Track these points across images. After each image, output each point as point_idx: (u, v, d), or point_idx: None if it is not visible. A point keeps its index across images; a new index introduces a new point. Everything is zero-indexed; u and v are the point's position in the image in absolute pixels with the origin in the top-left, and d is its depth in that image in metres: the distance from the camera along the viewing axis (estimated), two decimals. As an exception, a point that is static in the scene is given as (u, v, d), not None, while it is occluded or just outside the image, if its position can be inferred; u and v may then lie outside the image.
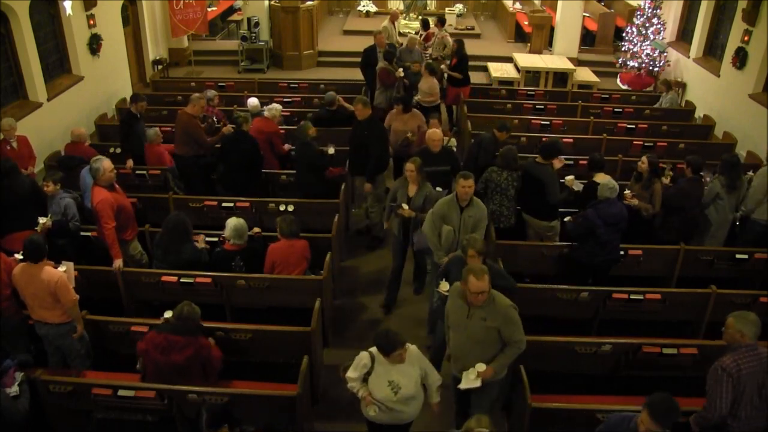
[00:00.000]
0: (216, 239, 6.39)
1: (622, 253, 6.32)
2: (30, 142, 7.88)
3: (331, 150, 7.81)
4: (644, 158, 6.72)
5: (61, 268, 5.19)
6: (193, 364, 4.64)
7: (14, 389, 4.43)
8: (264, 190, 7.94)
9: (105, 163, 5.94)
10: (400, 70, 9.60)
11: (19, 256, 5.19)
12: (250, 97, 9.56)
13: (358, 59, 11.03)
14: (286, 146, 8.34)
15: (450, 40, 11.74)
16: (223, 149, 7.59)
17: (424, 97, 9.53)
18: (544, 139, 8.57)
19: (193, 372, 4.68)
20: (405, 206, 6.13)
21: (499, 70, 13.40)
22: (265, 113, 8.24)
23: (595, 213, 5.94)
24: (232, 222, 5.86)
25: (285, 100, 10.36)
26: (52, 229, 6.11)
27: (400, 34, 13.72)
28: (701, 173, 6.75)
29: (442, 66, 10.86)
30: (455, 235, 5.57)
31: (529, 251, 6.63)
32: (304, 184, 7.49)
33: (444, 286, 5.02)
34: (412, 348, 4.21)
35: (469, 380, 4.33)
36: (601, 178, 6.46)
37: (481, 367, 4.32)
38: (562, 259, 6.50)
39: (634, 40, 12.83)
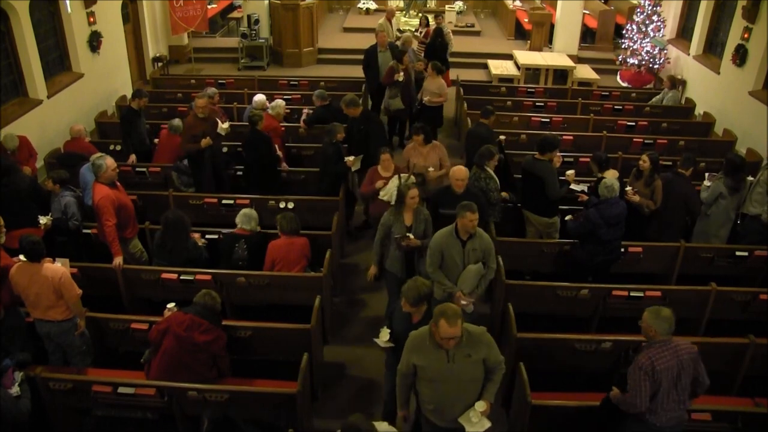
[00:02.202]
0: (216, 237, 6.40)
1: (622, 250, 6.32)
2: (30, 141, 7.87)
3: (357, 165, 7.29)
4: (644, 157, 6.71)
5: (57, 264, 5.17)
6: (208, 350, 4.74)
7: (15, 389, 4.41)
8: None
9: (108, 161, 5.95)
10: (401, 73, 9.42)
11: (23, 257, 5.19)
12: (250, 94, 9.59)
13: (358, 56, 11.01)
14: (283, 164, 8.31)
15: (452, 36, 11.81)
16: (243, 149, 7.69)
17: (433, 98, 9.29)
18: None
19: (204, 358, 4.75)
20: (411, 236, 5.50)
21: (499, 68, 13.39)
22: (269, 111, 8.27)
23: (598, 213, 5.94)
24: (244, 210, 6.17)
25: (285, 97, 10.35)
26: (52, 228, 6.11)
27: (399, 31, 13.70)
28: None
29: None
30: (461, 271, 5.14)
31: (528, 248, 6.64)
32: (317, 181, 7.63)
33: (384, 335, 4.53)
34: None
35: (474, 424, 3.92)
36: (611, 174, 6.46)
37: (480, 406, 3.96)
38: (562, 256, 6.50)
39: (634, 37, 12.81)
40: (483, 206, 5.98)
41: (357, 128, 7.47)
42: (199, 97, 7.67)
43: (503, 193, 6.85)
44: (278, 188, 7.69)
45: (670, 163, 7.78)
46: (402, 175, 6.37)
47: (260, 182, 7.56)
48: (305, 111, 9.36)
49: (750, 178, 6.99)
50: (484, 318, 6.22)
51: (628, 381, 4.07)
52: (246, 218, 6.08)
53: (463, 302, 5.07)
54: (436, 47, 10.95)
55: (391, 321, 4.62)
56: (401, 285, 5.59)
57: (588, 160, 7.36)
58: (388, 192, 6.29)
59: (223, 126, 7.84)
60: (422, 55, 11.04)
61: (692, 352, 4.06)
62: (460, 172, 5.94)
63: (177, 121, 8.24)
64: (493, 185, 6.55)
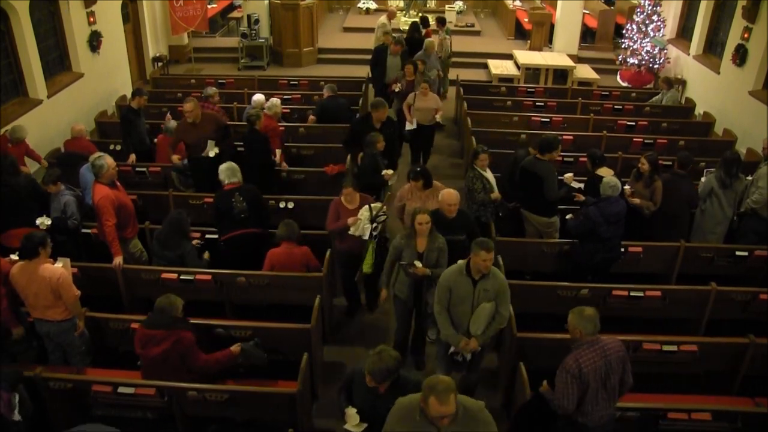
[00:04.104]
0: (216, 237, 6.40)
1: (622, 250, 6.32)
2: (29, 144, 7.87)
3: (394, 179, 7.02)
4: (643, 159, 6.70)
5: (58, 264, 5.17)
6: (170, 358, 4.60)
7: (16, 416, 4.28)
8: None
9: (108, 160, 5.95)
10: (398, 84, 9.27)
11: (14, 257, 5.19)
12: (250, 94, 9.58)
13: (358, 56, 11.02)
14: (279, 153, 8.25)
15: (448, 42, 11.68)
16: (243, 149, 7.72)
17: (432, 114, 8.65)
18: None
19: (172, 366, 4.64)
20: (418, 263, 5.17)
21: (499, 68, 13.40)
22: (266, 110, 8.26)
23: (598, 212, 5.94)
24: (223, 165, 6.28)
25: (285, 97, 10.35)
26: (51, 227, 6.11)
27: (398, 31, 13.69)
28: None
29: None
30: (469, 313, 4.71)
31: (528, 248, 6.64)
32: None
33: (353, 418, 3.96)
34: None
35: None
36: (605, 172, 6.46)
37: None
38: (562, 255, 6.50)
39: (634, 37, 12.82)
40: (475, 230, 5.74)
41: (386, 133, 7.18)
42: (186, 101, 7.19)
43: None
44: (278, 189, 7.67)
45: (670, 163, 7.78)
46: (373, 205, 5.94)
47: (259, 182, 7.52)
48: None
49: (748, 178, 6.99)
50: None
51: (556, 383, 4.05)
52: (230, 172, 6.20)
53: (473, 347, 4.76)
54: (413, 43, 10.77)
55: (350, 394, 4.08)
56: (409, 312, 5.56)
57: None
58: (359, 227, 5.87)
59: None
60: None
61: (620, 351, 4.05)
62: (450, 196, 5.52)
63: (173, 123, 8.22)
64: (479, 185, 6.58)
